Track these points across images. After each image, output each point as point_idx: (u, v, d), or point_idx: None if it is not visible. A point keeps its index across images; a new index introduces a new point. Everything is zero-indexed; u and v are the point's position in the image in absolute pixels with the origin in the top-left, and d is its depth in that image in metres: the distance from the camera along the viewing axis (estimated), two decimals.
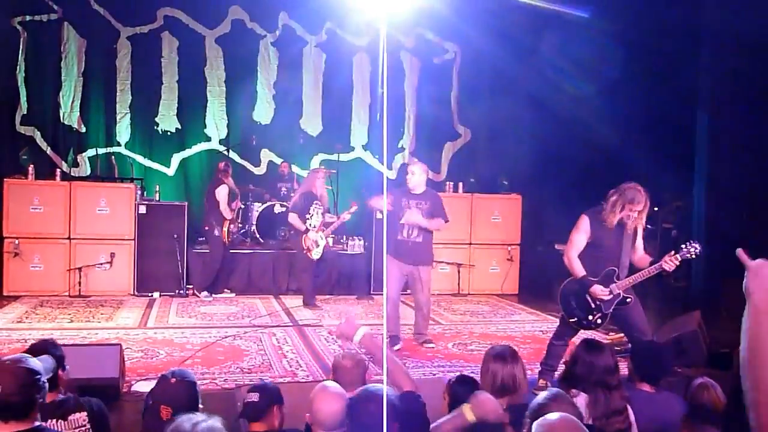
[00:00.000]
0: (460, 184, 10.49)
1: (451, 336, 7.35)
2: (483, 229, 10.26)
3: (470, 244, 10.23)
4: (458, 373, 3.51)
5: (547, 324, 7.80)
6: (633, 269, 5.08)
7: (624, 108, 9.76)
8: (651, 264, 4.90)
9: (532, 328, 7.90)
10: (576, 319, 5.15)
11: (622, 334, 5.80)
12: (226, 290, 9.31)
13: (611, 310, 5.05)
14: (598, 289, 4.99)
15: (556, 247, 10.15)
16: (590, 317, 5.08)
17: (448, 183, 10.63)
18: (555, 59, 10.77)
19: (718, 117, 8.50)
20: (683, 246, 4.78)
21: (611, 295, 4.99)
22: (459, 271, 9.97)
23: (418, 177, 6.72)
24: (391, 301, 6.58)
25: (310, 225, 8.42)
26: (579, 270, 5.06)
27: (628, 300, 5.02)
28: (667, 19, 8.86)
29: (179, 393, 2.71)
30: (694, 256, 4.78)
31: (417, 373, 5.79)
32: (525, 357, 5.19)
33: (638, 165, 8.34)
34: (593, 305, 5.05)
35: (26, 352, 2.94)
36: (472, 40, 11.59)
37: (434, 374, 5.86)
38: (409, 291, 6.99)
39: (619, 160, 9.27)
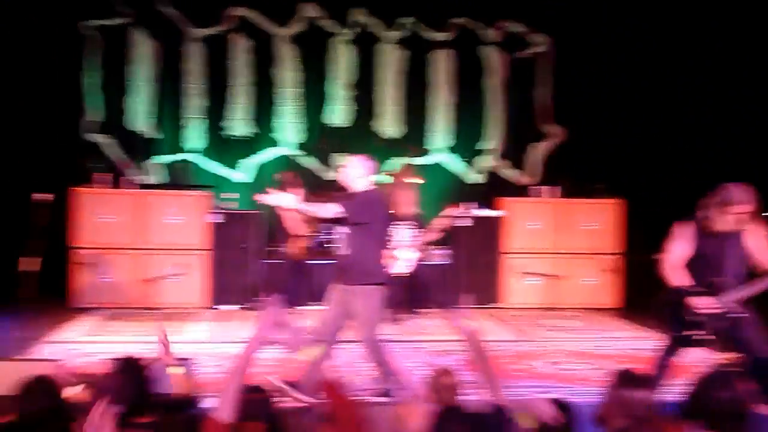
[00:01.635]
0: (552, 189, 10.35)
1: (541, 354, 7.26)
2: (577, 237, 10.10)
3: (563, 253, 10.08)
4: (552, 397, 3.47)
5: (654, 341, 7.58)
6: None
7: (745, 102, 9.43)
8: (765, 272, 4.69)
9: (634, 345, 7.71)
10: (680, 335, 4.98)
11: (738, 353, 5.58)
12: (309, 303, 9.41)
13: (721, 325, 4.85)
14: (703, 302, 4.81)
15: (659, 256, 9.92)
16: (694, 333, 4.88)
17: (537, 187, 10.51)
18: (660, 47, 10.54)
19: None
20: None
21: (719, 309, 4.81)
22: (550, 283, 9.84)
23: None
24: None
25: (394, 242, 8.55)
26: (679, 281, 4.89)
27: (742, 315, 4.82)
28: None
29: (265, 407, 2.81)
30: None
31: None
32: None
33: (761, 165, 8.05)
34: (698, 320, 4.87)
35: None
36: (564, 30, 11.46)
37: (521, 396, 5.80)
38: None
39: (739, 159, 8.98)
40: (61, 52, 10.34)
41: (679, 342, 5.03)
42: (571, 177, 10.66)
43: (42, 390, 3.02)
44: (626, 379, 3.15)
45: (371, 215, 5.55)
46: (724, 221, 4.77)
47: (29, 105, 9.99)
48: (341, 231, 5.77)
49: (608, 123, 11.13)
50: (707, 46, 9.96)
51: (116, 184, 9.58)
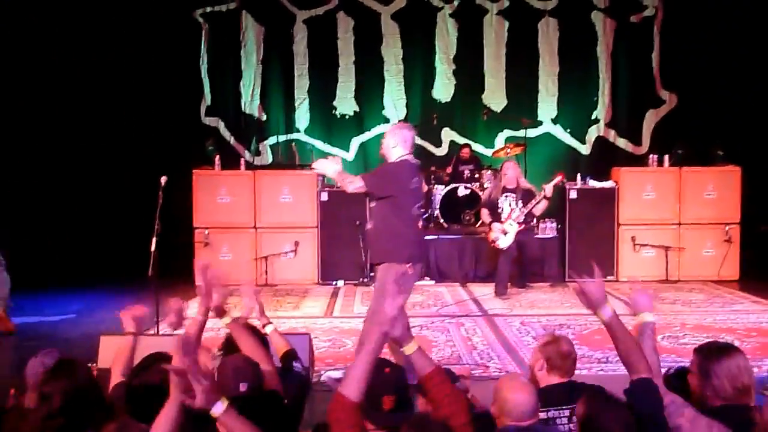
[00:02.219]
0: (666, 157, 9.97)
1: (661, 328, 7.03)
2: (694, 207, 9.70)
3: (679, 224, 9.71)
4: (678, 366, 3.37)
5: None
6: None
7: None
8: None
9: (757, 319, 7.39)
10: None
11: None
12: (426, 278, 9.52)
13: None
14: None
15: None
16: None
17: (651, 156, 10.14)
18: None
19: None
20: None
21: None
22: (667, 255, 9.51)
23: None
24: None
25: (503, 217, 8.69)
26: None
27: None
28: None
29: (397, 381, 2.76)
30: None
31: (620, 368, 5.65)
32: (749, 352, 4.88)
33: None
34: None
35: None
36: None
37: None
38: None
39: None
40: (177, 40, 10.74)
41: None
42: (685, 144, 10.23)
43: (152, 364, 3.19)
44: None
45: (394, 188, 5.23)
46: None
47: (150, 92, 10.45)
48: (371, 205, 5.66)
49: (721, 87, 10.67)
50: None
51: (232, 166, 9.89)
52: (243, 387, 2.93)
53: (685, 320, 7.38)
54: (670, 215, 9.71)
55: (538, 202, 8.64)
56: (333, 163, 5.41)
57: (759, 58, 10.34)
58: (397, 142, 5.39)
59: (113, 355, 3.58)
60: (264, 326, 4.04)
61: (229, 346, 3.60)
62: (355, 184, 5.25)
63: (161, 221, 6.17)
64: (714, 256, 9.61)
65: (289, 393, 3.31)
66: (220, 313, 3.52)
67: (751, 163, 9.79)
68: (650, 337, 2.99)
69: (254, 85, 11.21)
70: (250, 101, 11.21)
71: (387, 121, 11.34)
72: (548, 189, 8.55)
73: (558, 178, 8.80)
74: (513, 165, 9.01)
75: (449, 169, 10.59)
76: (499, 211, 8.76)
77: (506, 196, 8.77)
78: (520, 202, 8.73)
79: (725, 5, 10.52)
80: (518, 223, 8.63)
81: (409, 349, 2.78)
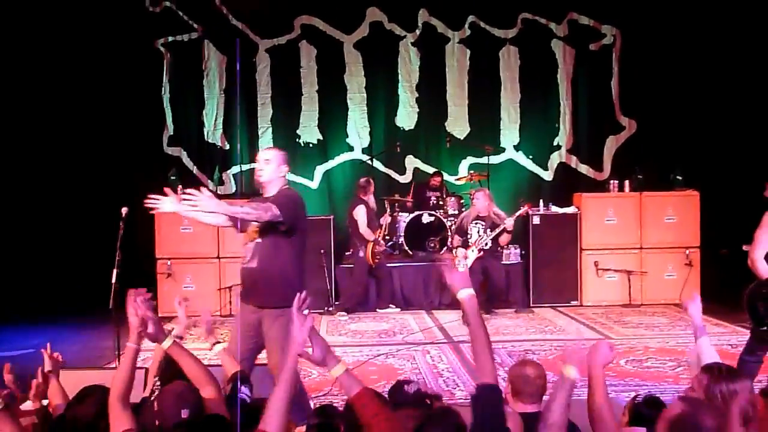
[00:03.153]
0: (626, 182, 10.16)
1: (624, 352, 7.13)
2: (655, 232, 9.87)
3: (641, 248, 9.87)
4: (647, 393, 3.39)
5: (737, 337, 7.39)
6: None
7: None
8: None
9: (719, 341, 7.50)
10: (767, 327, 4.84)
11: None
12: (391, 305, 9.55)
13: None
14: None
15: (744, 248, 9.60)
16: None
17: (612, 181, 10.32)
18: (729, 34, 10.25)
19: None
20: None
21: None
22: (630, 280, 9.65)
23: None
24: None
25: (470, 242, 8.96)
26: (765, 271, 4.77)
27: None
28: None
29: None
30: None
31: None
32: None
33: None
34: None
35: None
36: (633, 21, 11.25)
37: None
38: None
39: None
40: (139, 70, 10.70)
41: (761, 336, 4.90)
42: (645, 169, 10.44)
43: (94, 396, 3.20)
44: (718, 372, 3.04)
45: (304, 222, 4.73)
46: None
47: (112, 122, 10.39)
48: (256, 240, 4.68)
49: (678, 113, 10.92)
50: None
51: None
52: (184, 413, 2.91)
53: (648, 344, 7.47)
54: (632, 240, 9.87)
55: (499, 234, 8.81)
56: (206, 197, 4.27)
57: (715, 84, 10.60)
58: (286, 170, 4.83)
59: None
60: (212, 346, 4.04)
61: (167, 369, 3.54)
62: (271, 212, 4.37)
63: (122, 252, 6.10)
64: (675, 280, 9.76)
65: (234, 419, 3.27)
66: (157, 338, 3.40)
67: (708, 188, 10.00)
68: (565, 391, 2.89)
69: (217, 114, 11.20)
70: (213, 130, 11.19)
71: (351, 149, 11.40)
72: (509, 222, 8.77)
73: (523, 209, 8.94)
74: (483, 194, 9.21)
75: (410, 197, 10.67)
76: (468, 237, 9.02)
77: (476, 224, 9.06)
78: (488, 230, 8.95)
79: (681, 33, 10.80)
80: (479, 250, 8.80)
81: (336, 371, 2.79)
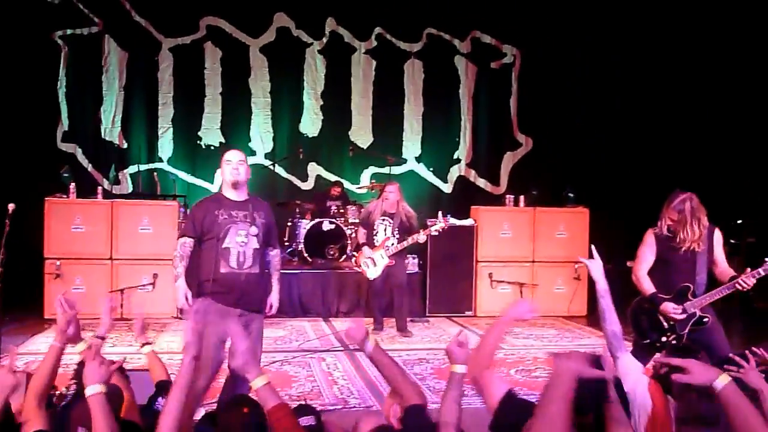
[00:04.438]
0: (522, 198, 10.46)
1: (514, 362, 7.31)
2: (547, 246, 10.18)
3: (533, 261, 10.17)
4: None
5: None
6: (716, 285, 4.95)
7: (707, 115, 9.63)
8: (730, 280, 4.81)
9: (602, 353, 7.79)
10: (649, 340, 5.07)
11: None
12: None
13: (687, 331, 4.94)
14: (670, 307, 4.89)
15: (628, 264, 10.04)
16: (664, 338, 4.98)
17: (508, 196, 10.61)
18: (625, 58, 10.73)
19: None
20: (766, 260, 4.66)
21: (685, 314, 4.88)
22: (521, 292, 9.91)
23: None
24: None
25: (376, 242, 8.43)
26: (648, 287, 4.99)
27: (705, 320, 4.90)
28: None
29: (252, 424, 2.75)
30: None
31: (475, 401, 5.80)
32: None
33: (721, 176, 8.23)
34: (666, 325, 4.96)
35: None
36: (533, 42, 11.63)
37: None
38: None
39: (699, 170, 9.17)
40: (34, 63, 10.25)
41: (644, 348, 5.12)
42: (539, 186, 10.80)
43: None
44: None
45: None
46: (682, 227, 4.86)
47: (3, 115, 9.87)
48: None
49: (572, 132, 11.35)
50: (666, 59, 10.16)
51: (89, 195, 9.50)
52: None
53: (537, 354, 7.69)
54: (525, 253, 10.14)
55: (411, 244, 8.51)
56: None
57: (606, 107, 11.06)
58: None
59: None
60: (141, 346, 3.92)
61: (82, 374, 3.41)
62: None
63: (7, 251, 5.82)
64: (565, 293, 10.10)
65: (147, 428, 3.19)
66: (75, 340, 3.34)
67: (598, 205, 10.41)
68: (456, 388, 2.97)
69: (116, 111, 10.83)
70: (111, 128, 10.82)
71: (253, 153, 11.25)
72: (421, 237, 8.27)
73: (440, 225, 8.56)
74: (396, 188, 8.55)
75: (313, 204, 10.63)
76: (375, 233, 8.44)
77: (383, 219, 8.42)
78: (396, 231, 8.40)
79: (576, 56, 11.23)
80: (389, 257, 8.34)
81: (256, 383, 2.80)
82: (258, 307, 4.77)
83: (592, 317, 9.90)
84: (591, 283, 9.84)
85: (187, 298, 4.71)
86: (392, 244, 8.33)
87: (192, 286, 4.77)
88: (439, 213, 10.11)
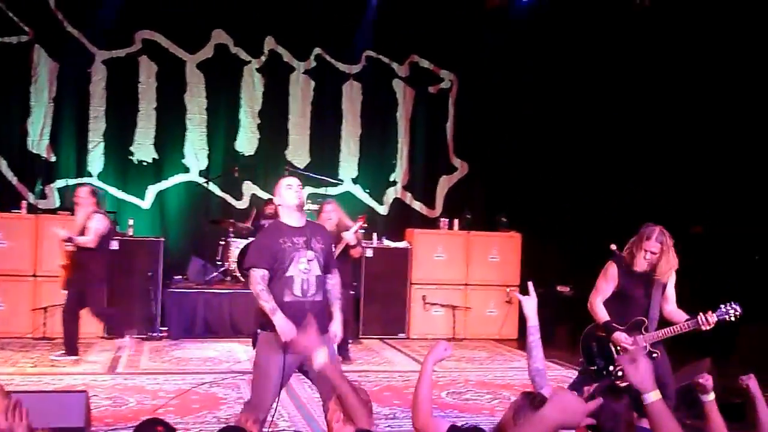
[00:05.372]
0: (456, 221, 10.53)
1: (445, 384, 7.30)
2: (480, 269, 10.28)
3: (466, 285, 10.24)
4: (467, 424, 3.42)
5: (549, 372, 7.74)
6: (664, 323, 4.99)
7: (638, 140, 9.86)
8: (687, 320, 4.84)
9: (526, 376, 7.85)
10: (596, 367, 5.10)
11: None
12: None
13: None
14: (622, 337, 4.94)
15: (558, 289, 10.21)
16: (611, 367, 5.01)
17: (442, 219, 10.68)
18: (560, 87, 10.95)
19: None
20: (722, 306, 4.72)
21: (635, 347, 4.91)
22: (454, 314, 9.95)
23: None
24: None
25: None
26: (603, 315, 5.02)
27: (654, 355, 4.93)
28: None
29: None
30: (732, 319, 4.71)
31: (405, 424, 5.76)
32: None
33: (653, 205, 8.41)
34: (616, 355, 4.99)
35: None
36: (470, 68, 11.79)
37: None
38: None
39: (631, 200, 9.38)
40: None
41: (589, 375, 5.15)
42: (473, 210, 10.92)
43: None
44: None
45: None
46: (641, 261, 4.92)
47: None
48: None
49: (506, 158, 11.50)
50: (598, 84, 10.40)
51: (12, 208, 9.16)
52: None
53: (468, 377, 7.70)
54: (459, 276, 10.20)
55: (343, 250, 8.34)
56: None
57: (540, 133, 11.25)
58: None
59: None
60: None
61: None
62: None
63: None
64: (497, 316, 10.18)
65: None
66: None
67: (530, 231, 10.56)
68: (333, 374, 3.15)
69: (44, 123, 10.46)
70: (38, 140, 10.42)
71: (187, 170, 11.02)
72: (349, 236, 8.07)
73: (358, 224, 8.47)
74: (333, 207, 8.09)
75: (248, 223, 10.46)
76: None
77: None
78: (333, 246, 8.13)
79: (513, 83, 11.42)
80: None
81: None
82: (324, 333, 4.49)
83: (523, 341, 9.98)
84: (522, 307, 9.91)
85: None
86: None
87: (258, 318, 4.61)
88: (374, 235, 10.12)
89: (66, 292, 7.86)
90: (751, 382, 3.37)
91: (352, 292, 9.70)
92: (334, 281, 4.73)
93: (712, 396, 3.30)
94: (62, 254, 7.86)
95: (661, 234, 4.91)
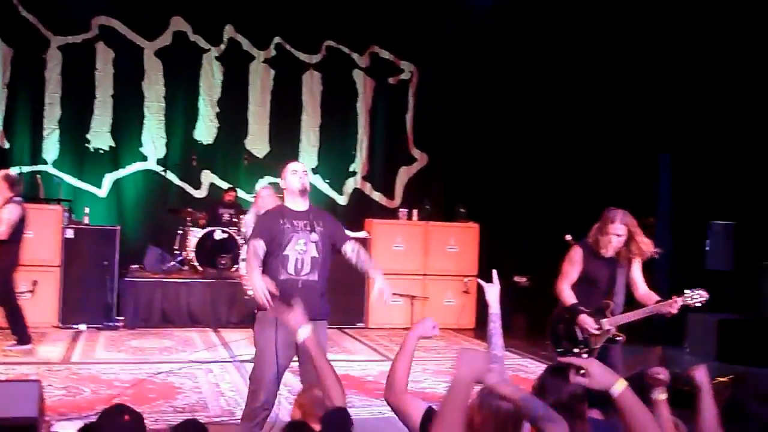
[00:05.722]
0: (415, 212, 10.58)
1: None
2: (438, 260, 10.34)
3: (425, 275, 10.29)
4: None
5: (506, 361, 7.84)
6: (636, 306, 4.99)
7: (593, 134, 9.99)
8: (657, 302, 4.84)
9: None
10: (562, 349, 5.15)
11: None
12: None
13: (599, 347, 4.99)
14: (587, 321, 4.95)
15: (515, 279, 10.32)
16: (576, 349, 5.01)
17: (401, 210, 10.72)
18: (518, 80, 11.05)
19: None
20: (687, 291, 4.73)
21: (600, 330, 4.95)
22: (412, 304, 9.99)
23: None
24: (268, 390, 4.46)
25: None
26: (569, 298, 5.03)
27: (618, 339, 4.98)
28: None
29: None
30: (698, 305, 4.73)
31: (365, 413, 5.79)
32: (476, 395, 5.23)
33: (608, 195, 8.52)
34: (581, 337, 5.03)
35: None
36: (430, 60, 11.83)
37: (383, 414, 5.84)
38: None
39: (587, 189, 9.51)
40: None
41: (559, 355, 5.20)
42: (432, 201, 10.98)
43: None
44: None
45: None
46: (607, 245, 4.94)
47: None
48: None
49: (465, 149, 11.57)
50: (555, 76, 10.51)
51: None
52: None
53: (426, 366, 7.75)
54: (417, 266, 10.26)
55: None
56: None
57: (498, 124, 11.33)
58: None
59: None
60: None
61: None
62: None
63: None
64: (454, 306, 10.26)
65: None
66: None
67: (488, 221, 10.65)
68: (314, 348, 3.19)
69: None
70: None
71: (145, 158, 10.90)
72: None
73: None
74: (269, 192, 7.24)
75: (205, 212, 10.37)
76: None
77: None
78: None
79: (470, 75, 11.48)
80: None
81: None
82: (318, 315, 4.46)
83: (481, 330, 10.09)
84: (480, 297, 10.03)
85: (268, 293, 4.30)
86: None
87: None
88: None
89: None
90: (698, 373, 3.41)
91: None
92: (353, 247, 4.83)
93: (664, 395, 3.32)
94: None
95: (624, 216, 4.91)
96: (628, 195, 8.81)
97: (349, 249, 4.81)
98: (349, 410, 3.02)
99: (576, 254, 5.11)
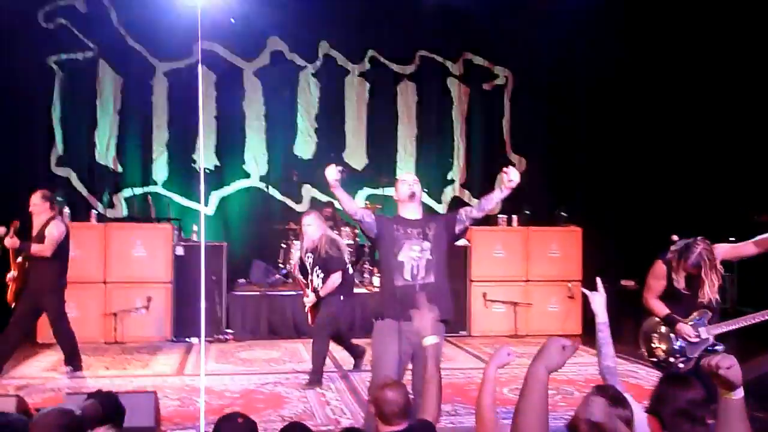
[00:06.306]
0: (515, 218, 10.42)
1: (507, 380, 7.23)
2: (540, 265, 10.14)
3: (527, 281, 10.11)
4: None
5: (626, 365, 7.62)
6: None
7: (695, 132, 9.64)
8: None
9: (595, 370, 7.70)
10: (656, 359, 5.00)
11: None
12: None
13: (697, 355, 4.82)
14: (686, 329, 4.84)
15: (622, 282, 10.01)
16: (671, 359, 4.91)
17: (501, 216, 10.57)
18: (617, 82, 10.77)
19: None
20: None
21: (699, 339, 4.83)
22: (515, 311, 9.85)
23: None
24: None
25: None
26: (662, 310, 4.94)
27: (718, 347, 4.82)
28: None
29: None
30: None
31: (468, 422, 5.74)
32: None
33: (715, 192, 8.21)
34: (677, 347, 4.90)
35: None
36: (524, 64, 11.67)
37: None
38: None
39: (692, 187, 9.17)
40: (30, 87, 10.27)
41: (654, 366, 5.08)
42: (532, 206, 10.77)
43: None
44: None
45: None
46: (680, 279, 4.82)
47: None
48: None
49: (564, 153, 11.35)
50: (656, 78, 10.20)
51: (82, 218, 9.46)
52: None
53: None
54: (519, 273, 10.09)
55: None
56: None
57: (599, 126, 11.06)
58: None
59: None
60: None
61: None
62: None
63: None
64: (558, 312, 10.04)
65: None
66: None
67: (590, 225, 10.38)
68: (432, 357, 3.34)
69: (110, 135, 10.82)
70: (105, 152, 10.79)
71: (248, 176, 11.23)
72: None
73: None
74: (312, 220, 7.17)
75: None
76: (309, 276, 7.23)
77: (308, 257, 7.17)
78: (318, 268, 7.08)
79: (565, 78, 11.26)
80: (315, 294, 7.13)
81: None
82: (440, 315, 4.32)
83: (587, 336, 9.83)
84: (585, 302, 9.80)
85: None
86: (317, 285, 7.11)
87: (372, 309, 5.08)
88: None
89: (15, 305, 7.01)
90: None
91: None
92: (470, 208, 5.12)
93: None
94: (12, 265, 6.99)
95: (699, 257, 4.71)
96: (738, 193, 8.44)
97: (469, 210, 5.02)
98: (452, 418, 3.05)
99: (658, 268, 4.97)
